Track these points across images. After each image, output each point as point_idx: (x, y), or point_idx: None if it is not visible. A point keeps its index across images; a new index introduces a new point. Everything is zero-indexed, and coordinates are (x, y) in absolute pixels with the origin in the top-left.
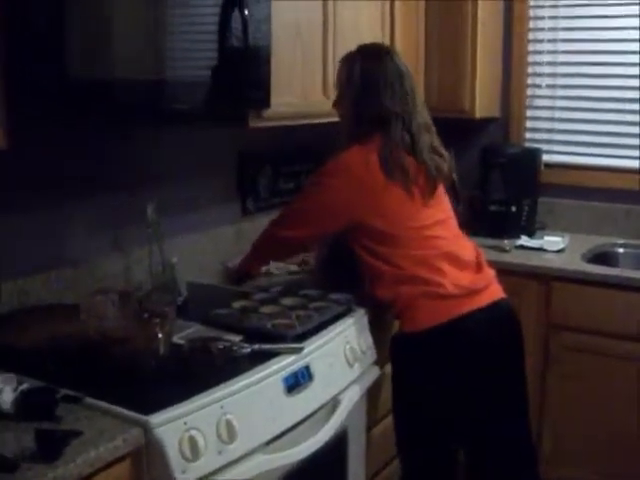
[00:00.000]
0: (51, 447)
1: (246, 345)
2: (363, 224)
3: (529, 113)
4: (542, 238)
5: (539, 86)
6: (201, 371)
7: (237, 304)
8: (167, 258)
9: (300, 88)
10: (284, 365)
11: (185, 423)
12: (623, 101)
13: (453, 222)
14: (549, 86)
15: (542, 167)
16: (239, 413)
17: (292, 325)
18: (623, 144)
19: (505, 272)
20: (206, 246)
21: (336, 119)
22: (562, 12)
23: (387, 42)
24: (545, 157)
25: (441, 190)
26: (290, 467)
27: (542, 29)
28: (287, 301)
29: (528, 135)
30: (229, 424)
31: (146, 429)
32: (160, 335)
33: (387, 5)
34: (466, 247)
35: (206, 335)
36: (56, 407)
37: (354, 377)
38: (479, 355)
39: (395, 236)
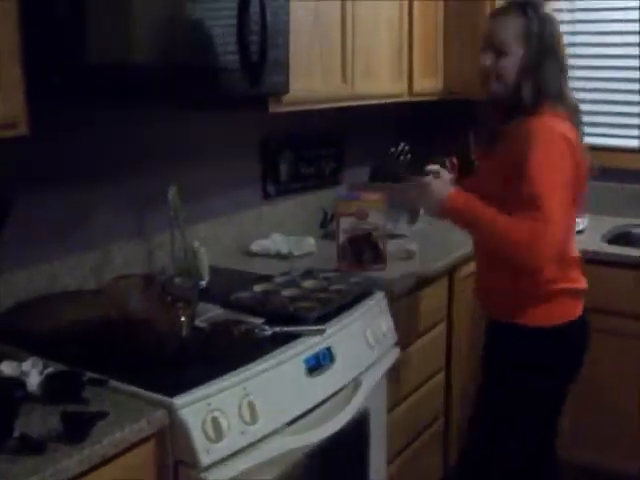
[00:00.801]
0: (77, 428)
1: (268, 327)
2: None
3: None
4: None
5: None
6: (223, 353)
7: (258, 287)
8: (189, 242)
9: (319, 73)
10: (305, 347)
11: (208, 404)
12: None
13: None
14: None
15: None
16: (261, 394)
17: (313, 307)
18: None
19: None
20: (227, 230)
21: (355, 103)
22: None
23: (406, 24)
24: None
25: None
26: (312, 448)
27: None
28: (308, 284)
29: None
30: (251, 405)
31: (170, 410)
32: (183, 318)
33: None
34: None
35: (228, 318)
36: (82, 390)
37: (374, 359)
38: (581, 356)
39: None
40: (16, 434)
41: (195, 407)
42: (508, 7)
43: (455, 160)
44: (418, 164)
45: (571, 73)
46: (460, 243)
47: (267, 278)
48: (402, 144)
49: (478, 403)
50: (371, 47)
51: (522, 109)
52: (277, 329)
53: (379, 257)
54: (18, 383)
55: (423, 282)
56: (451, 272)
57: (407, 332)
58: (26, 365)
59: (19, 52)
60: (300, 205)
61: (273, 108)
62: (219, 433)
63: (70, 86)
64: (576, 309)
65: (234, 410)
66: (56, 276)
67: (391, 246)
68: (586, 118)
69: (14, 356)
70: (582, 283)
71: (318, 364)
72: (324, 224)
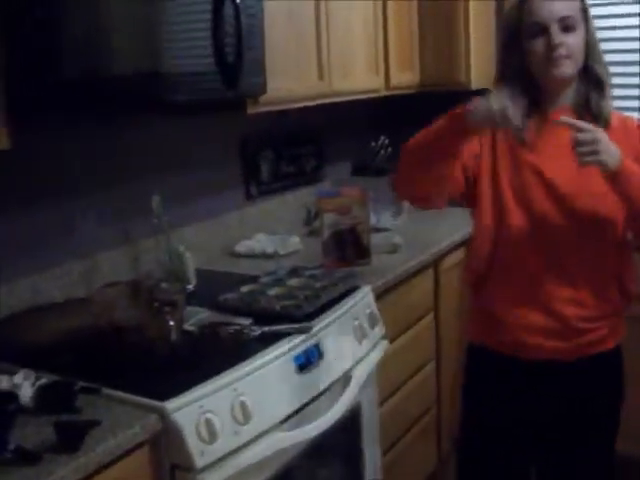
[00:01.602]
0: (71, 438)
1: (256, 328)
2: None
3: None
4: None
5: None
6: (213, 355)
7: (245, 288)
8: (174, 247)
9: (296, 72)
10: (294, 345)
11: (201, 407)
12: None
13: None
14: None
15: None
16: (252, 394)
17: (300, 305)
18: None
19: None
20: (212, 233)
21: (333, 100)
22: None
23: (380, 19)
24: None
25: None
26: (306, 444)
27: None
28: (294, 282)
29: None
30: (243, 405)
31: (163, 415)
32: (171, 323)
33: None
34: None
35: (216, 320)
36: (75, 399)
37: (363, 353)
38: None
39: None
40: (11, 446)
41: (187, 410)
42: None
43: None
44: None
45: None
46: (444, 234)
47: (253, 278)
48: (382, 138)
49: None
50: (346, 43)
51: (589, 92)
52: (265, 329)
53: (364, 252)
54: (11, 396)
55: (409, 275)
56: (436, 264)
57: (395, 325)
58: (18, 378)
59: None
60: (283, 204)
61: (251, 109)
62: (213, 435)
63: (49, 100)
64: None
65: (226, 411)
66: (42, 287)
67: (375, 240)
68: None
69: (5, 369)
70: None
71: (307, 361)
72: (308, 222)
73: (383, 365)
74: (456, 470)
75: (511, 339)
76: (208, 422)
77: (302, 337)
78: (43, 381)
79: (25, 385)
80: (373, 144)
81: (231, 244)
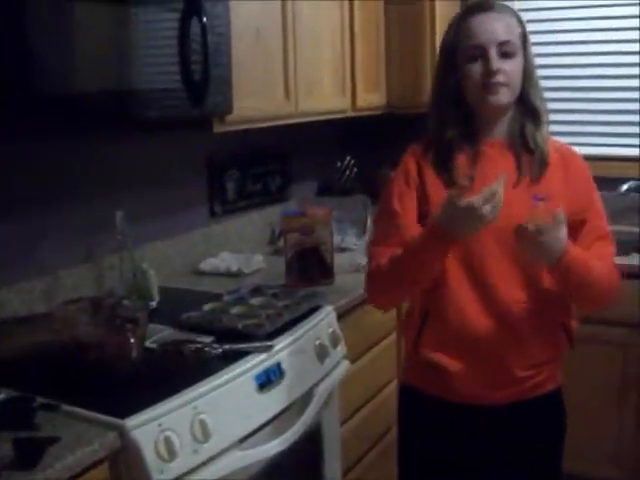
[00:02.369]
0: (29, 454)
1: (217, 346)
2: None
3: None
4: None
5: None
6: (174, 373)
7: (208, 306)
8: (138, 264)
9: (262, 92)
10: (255, 364)
11: (160, 425)
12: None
13: None
14: None
15: None
16: (212, 412)
17: (262, 324)
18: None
19: None
20: (176, 250)
21: (299, 120)
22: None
23: (347, 40)
24: None
25: None
26: (266, 463)
27: None
28: (256, 301)
29: None
30: (203, 423)
31: (122, 432)
32: (132, 340)
33: (346, 4)
34: None
35: (178, 338)
36: (34, 415)
37: (325, 372)
38: None
39: None
40: None
41: (147, 428)
42: (491, 4)
43: None
44: (364, 178)
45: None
46: None
47: (216, 297)
48: (348, 158)
49: None
50: (313, 64)
51: (525, 121)
52: (226, 347)
53: (327, 271)
54: None
55: None
56: None
57: (357, 345)
58: None
59: None
60: (248, 223)
61: (217, 128)
62: (172, 453)
63: (13, 117)
64: None
65: (186, 429)
66: (4, 302)
67: (339, 260)
68: None
69: None
70: None
71: (268, 380)
72: (272, 241)
73: (344, 385)
74: None
75: (445, 385)
76: (167, 440)
77: (263, 356)
78: (2, 397)
79: None
80: (339, 164)
81: (195, 262)
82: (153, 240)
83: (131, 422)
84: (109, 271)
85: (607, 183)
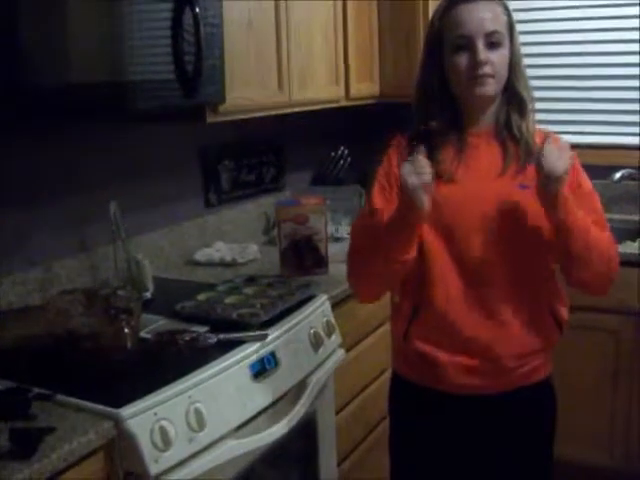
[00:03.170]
0: (26, 444)
1: (212, 335)
2: None
3: None
4: None
5: None
6: (168, 363)
7: (202, 296)
8: (132, 255)
9: (255, 81)
10: (249, 352)
11: (155, 414)
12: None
13: None
14: None
15: None
16: (207, 401)
17: (256, 313)
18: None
19: None
20: (171, 241)
21: (293, 110)
22: None
23: (340, 30)
24: None
25: None
26: (261, 451)
27: None
28: (250, 290)
29: None
30: (198, 412)
31: (117, 422)
32: (127, 330)
33: None
34: None
35: (173, 328)
36: (29, 406)
37: (319, 361)
38: None
39: None
40: None
41: (142, 417)
42: None
43: None
44: (358, 167)
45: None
46: None
47: (210, 286)
48: (342, 148)
49: None
50: (306, 54)
51: (510, 111)
52: (221, 336)
53: (321, 261)
54: None
55: None
56: None
57: (351, 334)
58: None
59: None
60: (243, 213)
61: (210, 118)
62: (167, 442)
63: (5, 106)
64: None
65: (181, 418)
66: None
67: (333, 249)
68: None
69: None
70: None
71: (263, 369)
72: (267, 230)
73: (339, 373)
74: None
75: (436, 376)
76: (162, 429)
77: (258, 345)
78: None
79: None
80: (333, 154)
81: (190, 252)
82: (147, 230)
83: (126, 412)
84: (103, 262)
85: (600, 171)
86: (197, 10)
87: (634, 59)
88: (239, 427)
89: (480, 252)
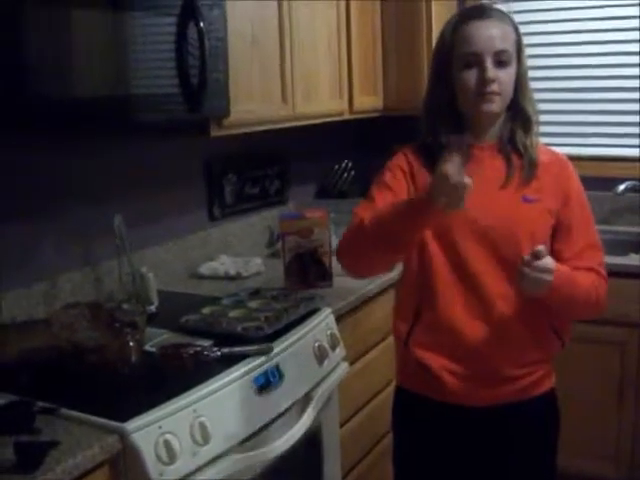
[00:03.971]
0: (30, 458)
1: (216, 349)
2: None
3: None
4: None
5: None
6: (173, 377)
7: (206, 310)
8: (136, 268)
9: (259, 95)
10: (254, 366)
11: (160, 427)
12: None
13: None
14: None
15: None
16: (212, 415)
17: (261, 327)
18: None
19: None
20: (175, 254)
21: (297, 123)
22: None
23: (344, 44)
24: None
25: None
26: (265, 465)
27: None
28: (255, 303)
29: None
30: (202, 426)
31: (122, 435)
32: (131, 344)
33: (342, 6)
34: None
35: (177, 341)
36: (34, 419)
37: (324, 374)
38: None
39: None
40: None
41: (147, 431)
42: (489, 10)
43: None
44: (361, 180)
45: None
46: None
47: (215, 300)
48: (345, 161)
49: None
50: (310, 67)
51: (515, 127)
52: (225, 350)
53: (325, 274)
54: None
55: (370, 297)
56: (397, 286)
57: (356, 347)
58: None
59: None
60: (247, 226)
61: (215, 132)
62: (172, 456)
63: (10, 120)
64: None
65: (186, 432)
66: (3, 307)
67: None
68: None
69: None
70: None
71: (267, 382)
72: (271, 243)
73: (344, 386)
74: None
75: (437, 387)
76: (167, 443)
77: (262, 358)
78: (1, 401)
79: None
80: (336, 167)
81: (194, 265)
82: (152, 244)
83: (131, 425)
84: (108, 275)
85: (604, 183)
86: (201, 24)
87: (635, 71)
88: (244, 441)
89: (482, 264)
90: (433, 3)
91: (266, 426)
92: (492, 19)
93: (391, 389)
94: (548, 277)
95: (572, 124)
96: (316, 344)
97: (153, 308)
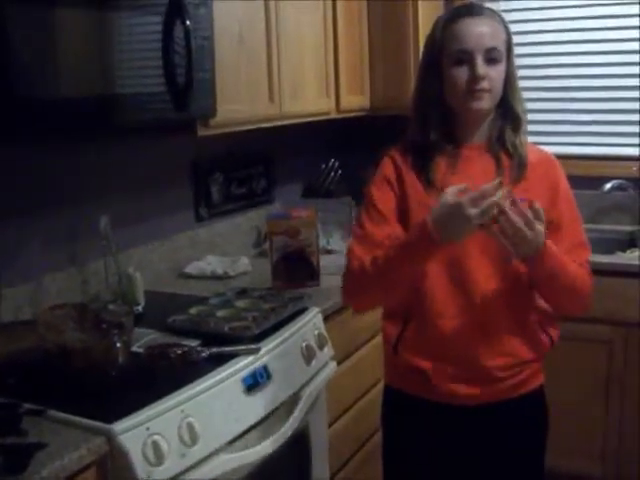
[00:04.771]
0: (17, 460)
1: (204, 349)
2: None
3: None
4: None
5: None
6: (160, 377)
7: (194, 309)
8: (123, 269)
9: (246, 94)
10: (242, 366)
11: (147, 429)
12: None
13: None
14: None
15: None
16: (200, 416)
17: (248, 327)
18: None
19: None
20: (162, 255)
21: (284, 122)
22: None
23: (331, 43)
24: None
25: None
26: (254, 465)
27: None
28: (242, 303)
29: None
30: (190, 427)
31: (109, 437)
32: (118, 345)
33: (329, 6)
34: None
35: (164, 342)
36: (20, 421)
37: (312, 374)
38: None
39: None
40: None
41: (134, 432)
42: (479, 8)
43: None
44: (348, 179)
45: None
46: None
47: (202, 300)
48: (332, 160)
49: None
50: (297, 66)
51: (504, 126)
52: (213, 350)
53: (313, 273)
54: None
55: None
56: None
57: (343, 346)
58: None
59: None
60: (233, 226)
61: (202, 131)
62: (159, 457)
63: None
64: None
65: (173, 433)
66: None
67: (325, 262)
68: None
69: None
70: None
71: (255, 382)
72: (258, 243)
73: (332, 386)
74: None
75: (426, 386)
76: (155, 444)
77: (250, 358)
78: None
79: None
80: (323, 166)
81: (181, 265)
82: (138, 244)
83: (118, 427)
84: (94, 276)
85: (591, 182)
86: (188, 23)
87: (627, 70)
88: (232, 441)
89: (472, 263)
90: (420, 3)
91: (254, 426)
92: (482, 17)
93: (379, 388)
94: (540, 239)
95: (559, 123)
96: (304, 344)
97: (140, 308)
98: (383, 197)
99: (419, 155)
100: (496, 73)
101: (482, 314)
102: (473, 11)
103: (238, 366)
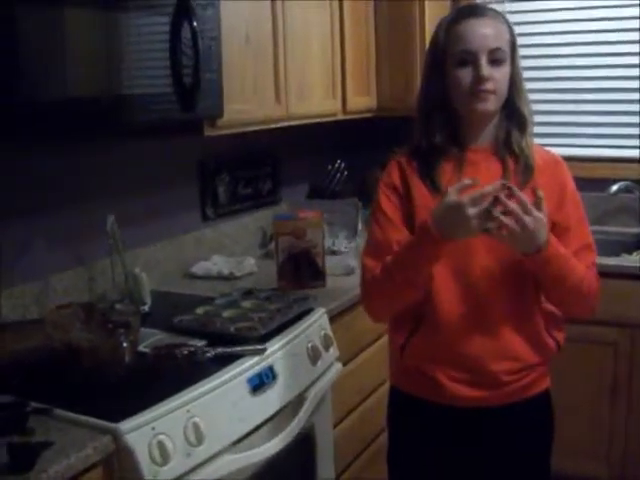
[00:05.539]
0: (23, 459)
1: (210, 349)
2: None
3: None
4: None
5: None
6: (167, 377)
7: (200, 310)
8: (129, 268)
9: (253, 95)
10: (247, 366)
11: (153, 428)
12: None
13: None
14: None
15: None
16: (205, 416)
17: (254, 327)
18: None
19: None
20: (168, 254)
21: (290, 123)
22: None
23: (337, 44)
24: None
25: None
26: (259, 465)
27: None
28: (248, 304)
29: None
30: (196, 427)
31: (116, 436)
32: (125, 344)
33: (336, 7)
34: None
35: (170, 342)
36: (27, 420)
37: (317, 374)
38: None
39: None
40: None
41: (140, 431)
42: (483, 9)
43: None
44: (355, 181)
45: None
46: None
47: (208, 300)
48: (338, 161)
49: None
50: (304, 68)
51: (510, 127)
52: (219, 350)
53: (319, 274)
54: None
55: None
56: None
57: (349, 347)
58: None
59: None
60: (240, 226)
61: (208, 132)
62: (165, 456)
63: (4, 122)
64: None
65: (179, 432)
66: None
67: (331, 262)
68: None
69: None
70: None
71: (261, 383)
72: (264, 244)
73: (337, 387)
74: None
75: (433, 389)
76: (161, 444)
77: (256, 359)
78: None
79: None
80: (330, 167)
81: (187, 266)
82: (145, 244)
83: (124, 426)
84: (101, 276)
85: (597, 184)
86: (195, 24)
87: (631, 72)
88: (237, 441)
89: (479, 268)
90: (426, 3)
91: (260, 426)
92: (486, 17)
93: (385, 389)
94: (542, 232)
95: (565, 124)
96: (309, 344)
97: (146, 308)
98: (390, 204)
99: (425, 159)
100: (500, 74)
101: (488, 318)
102: (476, 12)
103: (244, 366)
